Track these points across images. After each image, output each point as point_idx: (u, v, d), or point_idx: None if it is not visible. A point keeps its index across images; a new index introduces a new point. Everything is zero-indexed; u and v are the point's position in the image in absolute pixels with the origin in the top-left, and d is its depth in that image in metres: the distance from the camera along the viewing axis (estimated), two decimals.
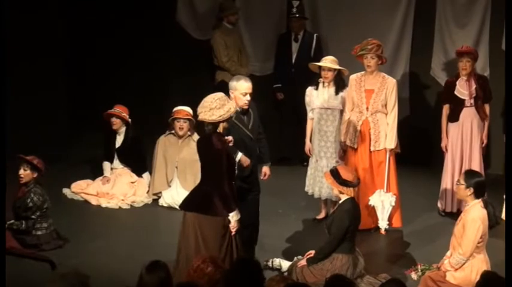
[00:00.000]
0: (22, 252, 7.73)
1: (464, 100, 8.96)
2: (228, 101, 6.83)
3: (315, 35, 10.78)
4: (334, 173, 7.38)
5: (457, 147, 9.03)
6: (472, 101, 8.95)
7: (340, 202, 7.42)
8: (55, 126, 11.02)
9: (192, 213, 6.78)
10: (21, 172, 8.18)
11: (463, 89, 8.96)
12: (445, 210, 9.13)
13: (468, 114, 8.97)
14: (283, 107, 10.90)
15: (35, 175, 8.20)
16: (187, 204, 6.89)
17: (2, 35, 7.55)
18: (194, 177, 8.94)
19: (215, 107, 6.70)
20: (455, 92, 8.99)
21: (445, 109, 9.11)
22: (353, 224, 7.31)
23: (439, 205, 9.20)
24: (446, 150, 9.08)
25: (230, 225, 6.75)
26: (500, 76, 8.77)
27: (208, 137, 6.79)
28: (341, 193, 7.37)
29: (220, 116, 6.70)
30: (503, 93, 8.82)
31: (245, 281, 5.34)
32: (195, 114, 7.14)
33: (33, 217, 8.13)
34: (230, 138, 7.16)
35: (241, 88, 7.40)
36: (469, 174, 7.02)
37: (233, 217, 6.74)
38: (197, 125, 8.83)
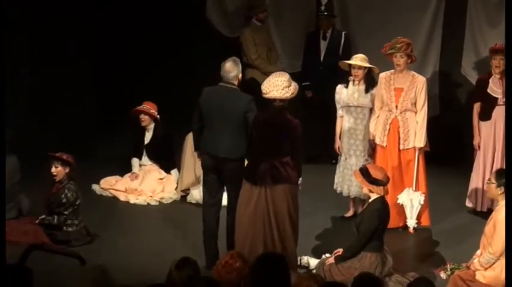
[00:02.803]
0: (53, 248, 7.80)
1: (497, 98, 8.89)
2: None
3: (343, 33, 10.73)
4: (364, 172, 7.36)
5: (489, 146, 8.95)
6: (505, 99, 8.88)
7: (370, 200, 7.39)
8: (84, 122, 11.08)
9: (283, 185, 7.15)
10: (53, 169, 8.23)
11: (496, 87, 8.89)
12: (475, 209, 9.07)
13: (501, 112, 8.86)
14: (312, 105, 10.87)
15: (67, 170, 8.25)
16: (276, 179, 7.17)
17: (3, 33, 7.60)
18: None
19: (287, 86, 7.17)
20: (488, 90, 8.91)
21: (476, 107, 9.03)
22: (382, 223, 7.29)
23: (467, 203, 9.14)
24: (479, 148, 9.01)
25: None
26: None
27: (279, 112, 7.22)
28: (371, 191, 7.35)
29: (292, 93, 7.24)
30: None
31: (271, 276, 5.36)
32: None
33: (65, 212, 8.18)
34: None
35: None
36: (501, 173, 6.98)
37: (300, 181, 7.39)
38: None
